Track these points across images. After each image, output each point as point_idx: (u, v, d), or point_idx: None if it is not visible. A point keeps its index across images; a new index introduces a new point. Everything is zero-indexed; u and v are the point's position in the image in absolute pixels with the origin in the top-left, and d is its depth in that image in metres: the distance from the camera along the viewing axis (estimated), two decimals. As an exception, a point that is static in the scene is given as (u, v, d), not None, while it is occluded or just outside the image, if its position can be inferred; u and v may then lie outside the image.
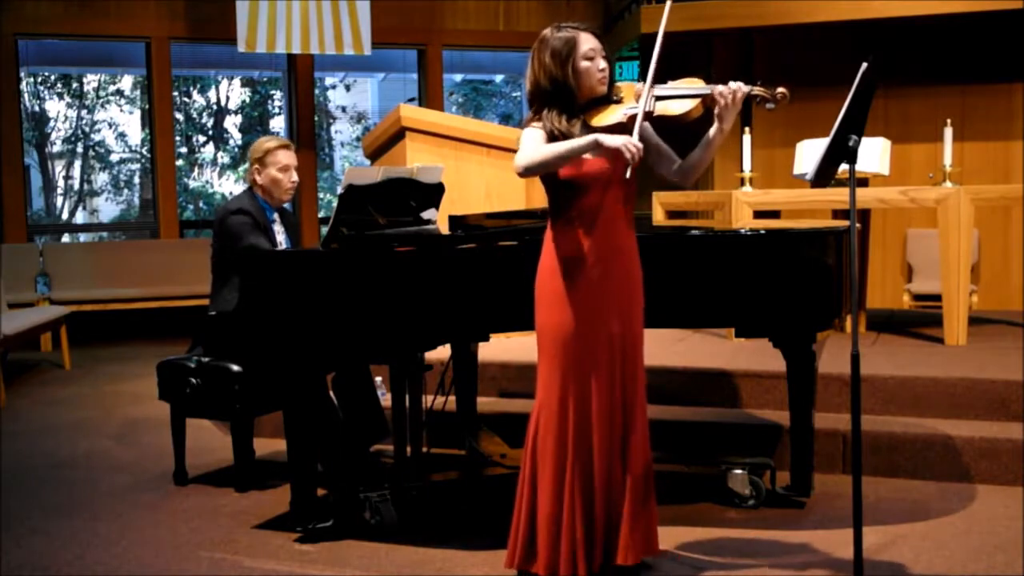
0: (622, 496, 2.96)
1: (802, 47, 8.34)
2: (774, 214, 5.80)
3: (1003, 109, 8.12)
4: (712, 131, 2.94)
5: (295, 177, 4.34)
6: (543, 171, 2.87)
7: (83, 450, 5.07)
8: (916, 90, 8.13)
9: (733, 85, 2.87)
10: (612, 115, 2.91)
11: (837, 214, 5.68)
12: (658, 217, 6.04)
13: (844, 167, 2.95)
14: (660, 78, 2.93)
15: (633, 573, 3.02)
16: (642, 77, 2.94)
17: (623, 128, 2.88)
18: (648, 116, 2.90)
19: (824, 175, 2.97)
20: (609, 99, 2.95)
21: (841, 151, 2.91)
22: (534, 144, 2.88)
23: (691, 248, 3.74)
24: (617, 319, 2.95)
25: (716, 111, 2.89)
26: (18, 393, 6.52)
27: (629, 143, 2.72)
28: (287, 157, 4.31)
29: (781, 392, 4.43)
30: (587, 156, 2.87)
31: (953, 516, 3.73)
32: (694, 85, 2.94)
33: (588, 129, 2.90)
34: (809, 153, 5.57)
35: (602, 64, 2.91)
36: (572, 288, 2.92)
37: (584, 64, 2.89)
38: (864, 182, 5.61)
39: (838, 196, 5.31)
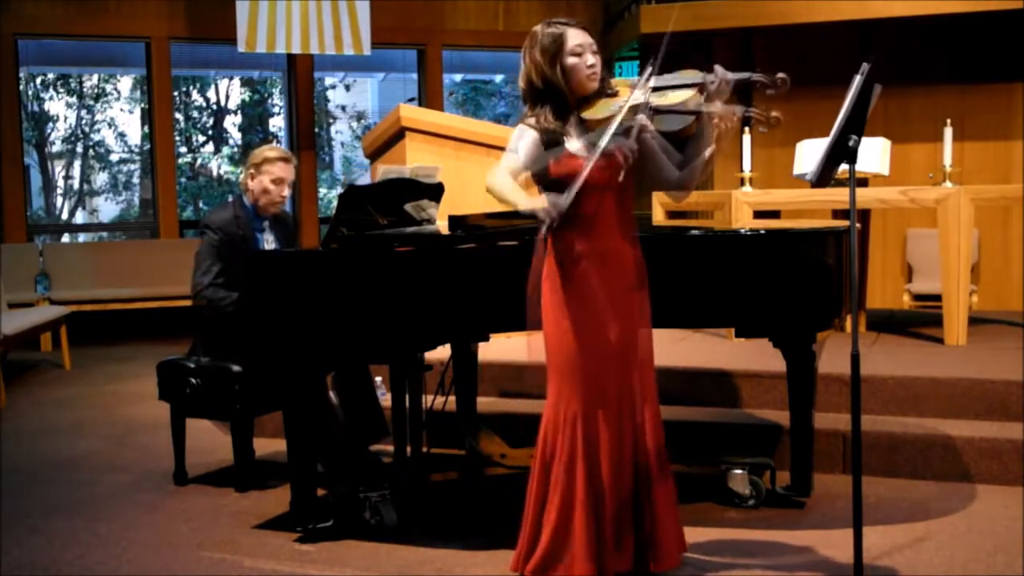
0: (634, 502, 2.95)
1: (802, 47, 8.33)
2: (774, 214, 5.80)
3: (1003, 109, 8.12)
4: (703, 141, 2.89)
5: (286, 192, 4.28)
6: (498, 200, 2.87)
7: (83, 450, 5.07)
8: (916, 90, 8.12)
9: (725, 109, 2.83)
10: (606, 108, 2.86)
11: (837, 214, 5.68)
12: (658, 217, 6.04)
13: (844, 167, 2.94)
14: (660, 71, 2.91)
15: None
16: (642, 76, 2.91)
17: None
18: (648, 113, 2.83)
19: (824, 175, 2.97)
20: (603, 93, 2.90)
21: (841, 151, 2.90)
22: (518, 156, 2.86)
23: (691, 248, 3.74)
24: (621, 323, 2.92)
25: (713, 132, 2.85)
26: (18, 393, 6.52)
27: (551, 209, 2.70)
28: (284, 171, 4.25)
29: (781, 392, 4.42)
30: (582, 156, 2.85)
31: (953, 516, 3.73)
32: (689, 77, 2.87)
33: (582, 124, 2.88)
34: (809, 153, 5.57)
35: (591, 60, 2.85)
36: (575, 296, 2.89)
37: (571, 61, 2.84)
38: (864, 182, 5.61)
39: (838, 196, 5.31)
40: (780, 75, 2.87)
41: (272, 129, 13.62)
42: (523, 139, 2.89)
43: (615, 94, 2.90)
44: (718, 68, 2.84)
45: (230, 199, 4.44)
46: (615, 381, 2.92)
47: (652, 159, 2.98)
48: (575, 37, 2.85)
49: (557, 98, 2.88)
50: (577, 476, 2.89)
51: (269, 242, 4.37)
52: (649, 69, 2.83)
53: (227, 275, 4.16)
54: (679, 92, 2.86)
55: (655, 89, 2.86)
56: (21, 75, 9.22)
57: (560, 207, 2.71)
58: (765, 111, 2.90)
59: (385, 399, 4.48)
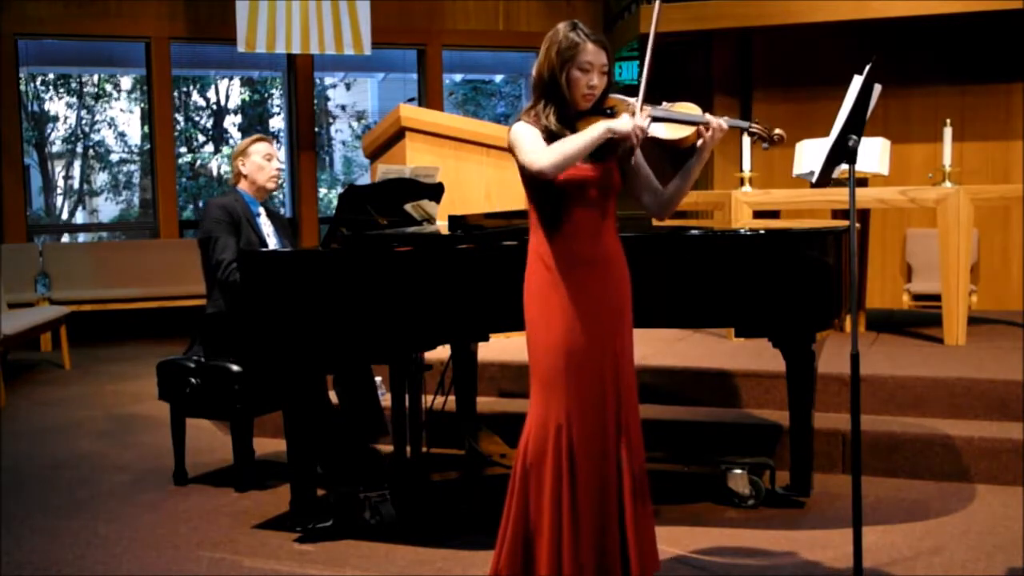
0: (618, 511, 2.89)
1: (802, 47, 8.34)
2: (774, 214, 5.80)
3: (1003, 109, 8.13)
4: (692, 162, 2.89)
5: (279, 164, 4.49)
6: (570, 166, 2.78)
7: (83, 450, 5.08)
8: (916, 90, 8.13)
9: (721, 122, 2.84)
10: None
11: (837, 214, 5.69)
12: (658, 217, 6.03)
13: (844, 167, 2.95)
14: (657, 95, 2.93)
15: None
16: (639, 82, 2.91)
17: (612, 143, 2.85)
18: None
19: (824, 176, 2.97)
20: (602, 111, 2.90)
21: (841, 151, 2.91)
22: (539, 141, 2.81)
23: (691, 248, 3.74)
24: (614, 329, 2.88)
25: (699, 142, 2.85)
26: (18, 393, 6.52)
27: (638, 128, 2.69)
28: (269, 147, 4.48)
29: (781, 392, 4.43)
30: (581, 163, 2.85)
31: (953, 516, 3.74)
32: (689, 112, 2.90)
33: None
34: (809, 153, 5.57)
35: (594, 80, 2.84)
36: (567, 301, 2.83)
37: (576, 74, 2.83)
38: (864, 182, 5.62)
39: (838, 196, 5.31)
40: (777, 131, 2.90)
41: (272, 129, 13.62)
42: (528, 132, 2.85)
43: (613, 114, 2.88)
44: (712, 119, 2.84)
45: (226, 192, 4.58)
46: (601, 393, 2.86)
47: (642, 175, 2.96)
48: (588, 54, 2.83)
49: (559, 102, 2.88)
50: (563, 488, 2.83)
51: (267, 226, 4.42)
52: (642, 92, 2.83)
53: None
54: (679, 129, 2.86)
55: (655, 119, 2.87)
56: (21, 75, 9.22)
57: (642, 125, 2.69)
58: (768, 128, 2.90)
59: (385, 399, 4.49)
